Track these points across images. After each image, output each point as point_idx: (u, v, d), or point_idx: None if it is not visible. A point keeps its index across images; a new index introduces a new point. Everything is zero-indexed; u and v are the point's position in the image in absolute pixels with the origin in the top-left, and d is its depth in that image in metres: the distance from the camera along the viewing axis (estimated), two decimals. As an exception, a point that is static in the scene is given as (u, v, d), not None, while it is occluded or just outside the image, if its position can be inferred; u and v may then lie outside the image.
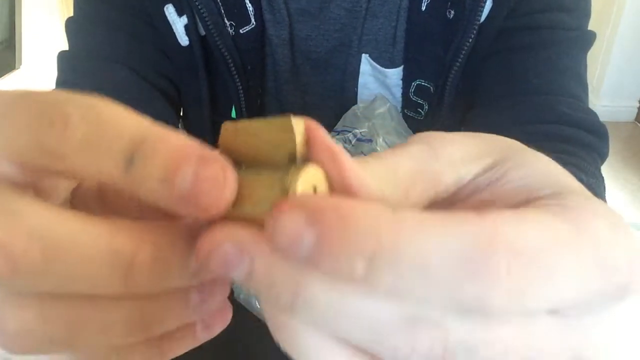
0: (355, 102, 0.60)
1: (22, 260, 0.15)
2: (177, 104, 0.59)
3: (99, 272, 0.15)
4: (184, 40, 0.53)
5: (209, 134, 0.58)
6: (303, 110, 0.61)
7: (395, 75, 0.58)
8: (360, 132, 0.52)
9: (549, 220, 0.15)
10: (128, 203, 0.20)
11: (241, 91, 0.55)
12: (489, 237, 0.14)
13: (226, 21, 0.52)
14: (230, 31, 0.53)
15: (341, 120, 0.56)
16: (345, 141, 0.52)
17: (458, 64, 0.51)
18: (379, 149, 0.50)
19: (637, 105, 2.83)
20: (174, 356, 0.20)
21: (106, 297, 0.16)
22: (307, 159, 0.16)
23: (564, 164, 0.20)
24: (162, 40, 0.54)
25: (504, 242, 0.14)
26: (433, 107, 0.55)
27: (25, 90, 0.17)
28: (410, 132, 0.56)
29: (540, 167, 0.18)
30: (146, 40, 0.54)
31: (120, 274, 0.16)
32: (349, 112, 0.58)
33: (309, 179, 0.15)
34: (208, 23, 0.51)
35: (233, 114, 0.57)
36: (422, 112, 0.57)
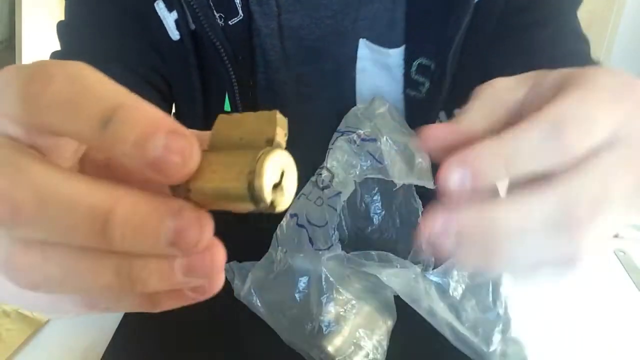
0: (353, 89, 0.60)
1: (20, 209, 0.17)
2: (169, 99, 0.61)
3: (79, 225, 0.17)
4: (175, 34, 0.54)
5: (202, 126, 0.58)
6: (299, 100, 0.60)
7: (397, 55, 0.58)
8: (364, 132, 0.52)
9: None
10: (132, 175, 0.21)
11: (234, 82, 0.55)
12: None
13: (215, 13, 0.53)
14: (220, 23, 0.53)
15: (343, 121, 0.57)
16: (350, 141, 0.52)
17: (457, 39, 0.53)
18: (383, 147, 0.50)
19: (637, 105, 2.82)
20: (167, 308, 0.22)
21: (94, 250, 0.18)
22: (281, 146, 0.17)
23: None
24: (153, 36, 0.55)
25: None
26: (434, 85, 0.57)
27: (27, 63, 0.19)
28: (412, 130, 0.56)
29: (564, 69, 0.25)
30: (137, 37, 0.55)
31: (97, 228, 0.17)
32: (350, 113, 0.58)
33: (278, 161, 0.17)
34: (199, 15, 0.52)
35: (226, 107, 0.58)
36: (423, 91, 0.58)
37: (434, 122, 0.60)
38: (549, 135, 0.21)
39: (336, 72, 0.60)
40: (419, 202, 0.57)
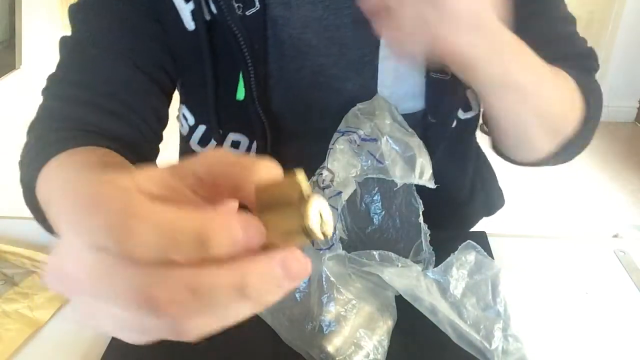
0: (375, 78, 0.60)
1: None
2: (171, 96, 0.62)
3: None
4: (190, 25, 0.57)
5: (212, 114, 0.61)
6: (319, 89, 0.61)
7: None
8: (364, 132, 0.52)
9: None
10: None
11: (251, 69, 0.57)
12: None
13: (234, 3, 0.55)
14: (239, 12, 0.56)
15: (343, 121, 0.57)
16: (351, 142, 0.52)
17: None
18: (384, 147, 0.50)
19: (637, 105, 2.82)
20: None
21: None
22: (310, 195, 0.22)
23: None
24: (167, 30, 0.57)
25: None
26: None
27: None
28: (412, 130, 0.56)
29: None
30: (147, 34, 0.57)
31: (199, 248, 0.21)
32: (350, 113, 0.58)
33: (316, 207, 0.22)
34: (221, 4, 0.54)
35: (238, 95, 0.59)
36: (449, 72, 0.59)
37: (456, 104, 0.61)
38: None
39: (359, 61, 0.60)
40: (419, 202, 0.57)
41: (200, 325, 0.22)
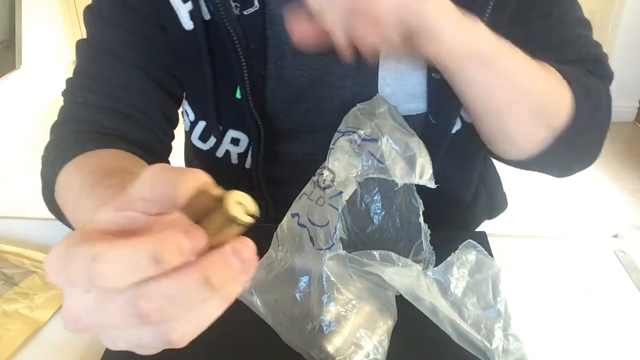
0: (376, 76, 0.60)
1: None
2: (178, 96, 0.65)
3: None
4: (188, 25, 0.58)
5: (212, 112, 0.62)
6: (319, 87, 0.61)
7: None
8: (365, 132, 0.52)
9: None
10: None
11: (245, 70, 0.58)
12: None
13: (231, 2, 0.55)
14: (236, 12, 0.56)
15: (343, 121, 0.57)
16: (351, 142, 0.52)
17: (485, 19, 0.54)
18: (384, 147, 0.50)
19: (637, 105, 2.83)
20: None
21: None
22: (225, 194, 0.26)
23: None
24: (167, 31, 0.58)
25: None
26: None
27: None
28: (412, 130, 0.56)
29: None
30: (155, 42, 0.59)
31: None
32: (350, 113, 0.58)
33: (232, 198, 0.26)
34: (217, 3, 0.55)
35: (237, 94, 0.60)
36: None
37: (459, 105, 0.60)
38: None
39: (359, 60, 0.60)
40: (419, 201, 0.57)
41: (185, 328, 0.26)
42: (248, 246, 0.26)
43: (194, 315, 0.26)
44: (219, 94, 0.61)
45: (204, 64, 0.59)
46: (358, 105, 0.58)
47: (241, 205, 0.26)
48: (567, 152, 0.57)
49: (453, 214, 0.73)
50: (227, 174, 0.66)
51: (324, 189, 0.49)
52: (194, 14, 0.56)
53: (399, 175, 0.50)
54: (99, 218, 0.27)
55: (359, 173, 0.50)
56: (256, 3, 0.56)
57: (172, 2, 0.57)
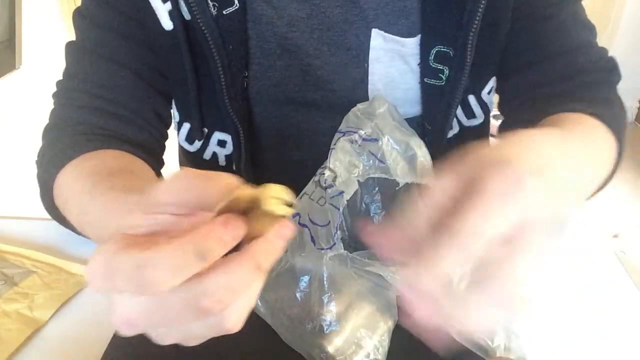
0: (366, 80, 0.60)
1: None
2: (171, 97, 0.64)
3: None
4: (167, 25, 0.56)
5: (195, 112, 0.61)
6: (306, 89, 0.61)
7: (412, 44, 0.58)
8: (365, 132, 0.52)
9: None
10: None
11: (220, 70, 0.56)
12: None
13: (209, 2, 0.54)
14: (213, 11, 0.55)
15: (344, 121, 0.56)
16: (352, 142, 0.52)
17: (476, 24, 0.54)
18: (385, 147, 0.50)
19: (637, 105, 2.83)
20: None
21: None
22: (259, 192, 0.27)
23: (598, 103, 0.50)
24: (149, 30, 0.57)
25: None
26: (455, 71, 0.57)
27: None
28: (412, 130, 0.56)
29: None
30: (142, 42, 0.58)
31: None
32: (350, 113, 0.58)
33: (273, 194, 0.27)
34: (191, 3, 0.53)
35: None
36: (444, 78, 0.58)
37: (453, 110, 0.60)
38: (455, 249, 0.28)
39: (347, 63, 0.60)
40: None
41: (238, 313, 0.28)
42: (288, 227, 0.28)
43: (244, 299, 0.27)
44: (202, 96, 0.60)
45: (184, 65, 0.58)
46: (358, 105, 0.58)
47: (276, 198, 0.27)
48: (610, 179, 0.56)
49: None
50: None
51: (325, 188, 0.49)
52: (173, 14, 0.55)
53: (400, 174, 0.50)
54: (127, 223, 0.28)
55: (360, 173, 0.50)
56: (236, 2, 0.55)
57: (151, 2, 0.56)
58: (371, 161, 0.51)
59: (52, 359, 0.49)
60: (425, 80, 0.59)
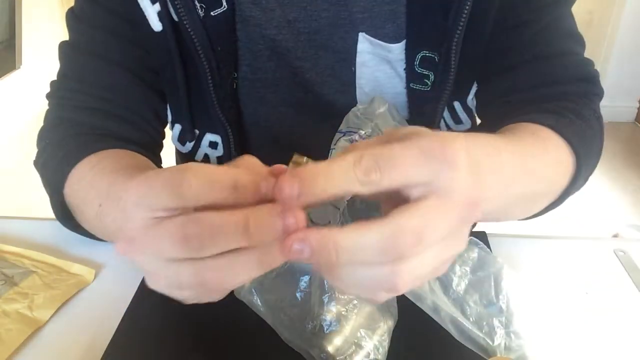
0: (353, 83, 0.60)
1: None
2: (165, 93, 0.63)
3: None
4: (157, 26, 0.56)
5: (186, 114, 0.61)
6: (295, 91, 0.60)
7: (398, 49, 0.58)
8: (365, 133, 0.52)
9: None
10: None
11: (208, 72, 0.56)
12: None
13: (196, 3, 0.54)
14: (200, 13, 0.54)
15: (344, 122, 0.57)
16: (352, 142, 0.52)
17: (459, 29, 0.53)
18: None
19: (637, 105, 2.83)
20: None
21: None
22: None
23: (562, 116, 0.48)
24: (140, 31, 0.57)
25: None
26: (440, 76, 0.57)
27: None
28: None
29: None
30: (135, 42, 0.58)
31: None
32: (350, 114, 0.58)
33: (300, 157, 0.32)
34: (177, 5, 0.53)
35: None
36: (429, 83, 0.58)
37: (439, 115, 0.60)
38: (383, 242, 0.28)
39: (334, 66, 0.60)
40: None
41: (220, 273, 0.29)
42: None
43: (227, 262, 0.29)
44: (192, 97, 0.60)
45: (174, 65, 0.58)
46: (358, 105, 0.58)
47: (298, 163, 0.32)
48: (568, 196, 0.54)
49: None
50: None
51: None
52: (162, 15, 0.55)
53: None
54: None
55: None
56: (224, 4, 0.55)
57: (140, 3, 0.55)
58: (371, 161, 0.51)
59: (52, 359, 0.49)
60: (411, 85, 0.59)
